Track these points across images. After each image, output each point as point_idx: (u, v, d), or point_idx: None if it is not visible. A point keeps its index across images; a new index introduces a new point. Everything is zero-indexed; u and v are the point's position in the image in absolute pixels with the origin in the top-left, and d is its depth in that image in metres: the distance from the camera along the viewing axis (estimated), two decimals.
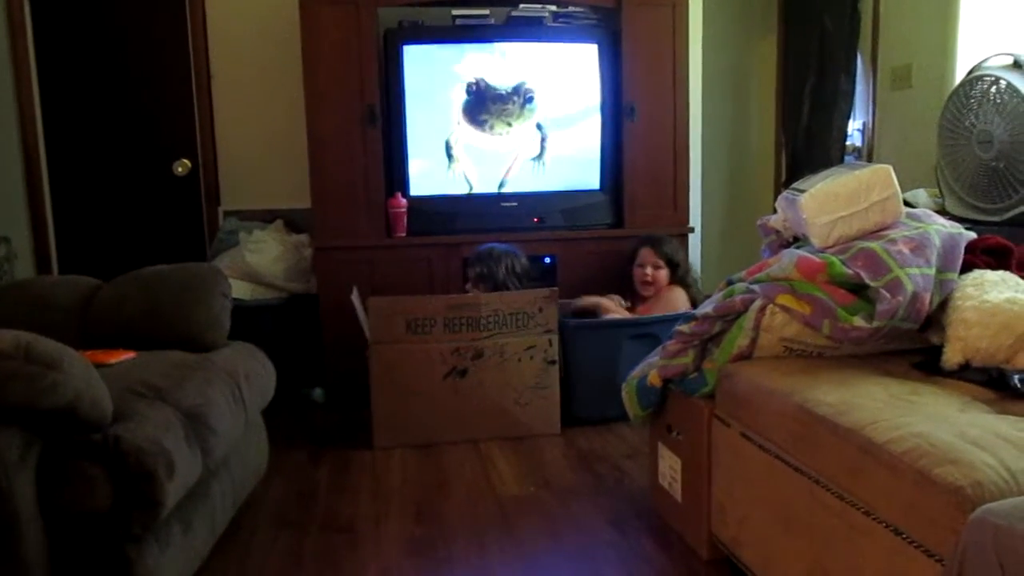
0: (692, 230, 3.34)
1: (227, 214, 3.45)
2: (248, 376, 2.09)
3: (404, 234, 3.08)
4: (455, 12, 3.09)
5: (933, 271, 1.69)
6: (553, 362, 2.77)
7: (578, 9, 3.19)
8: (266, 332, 2.87)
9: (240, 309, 2.51)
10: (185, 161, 3.44)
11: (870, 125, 3.54)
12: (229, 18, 3.38)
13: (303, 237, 3.25)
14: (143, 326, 2.09)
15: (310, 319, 3.05)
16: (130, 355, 1.93)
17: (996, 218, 2.53)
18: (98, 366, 1.72)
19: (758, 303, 1.78)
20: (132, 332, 2.07)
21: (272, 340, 2.68)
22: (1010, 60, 2.51)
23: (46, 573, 1.39)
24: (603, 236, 3.21)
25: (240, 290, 2.98)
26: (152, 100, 3.42)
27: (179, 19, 3.36)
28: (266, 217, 3.38)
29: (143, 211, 3.45)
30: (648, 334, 2.74)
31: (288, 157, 3.31)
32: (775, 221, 2.07)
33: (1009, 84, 2.48)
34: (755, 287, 1.80)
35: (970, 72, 2.65)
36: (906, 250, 1.69)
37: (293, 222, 3.36)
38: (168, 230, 3.46)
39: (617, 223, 3.25)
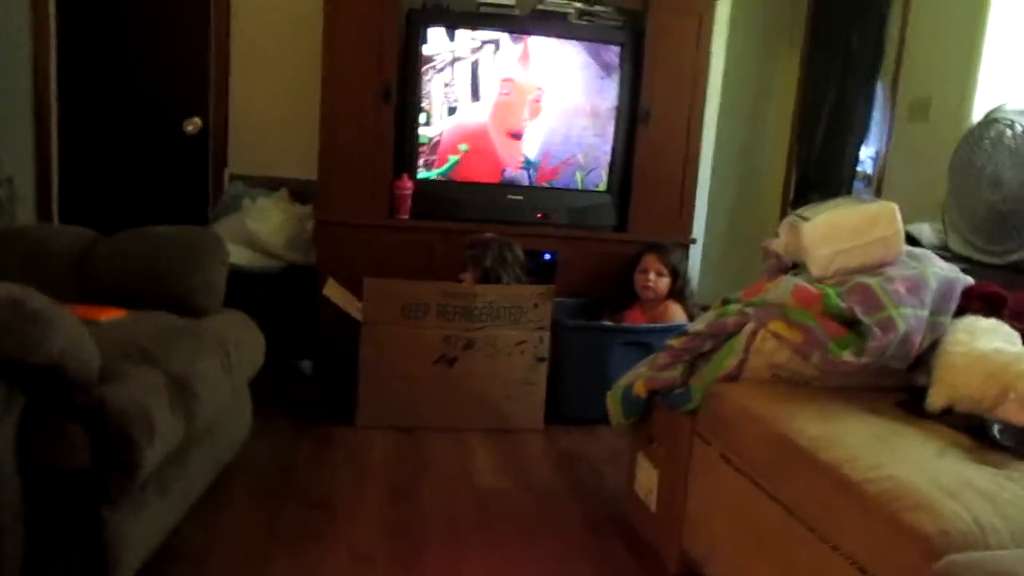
0: (694, 241, 3.34)
1: (233, 178, 3.44)
2: (238, 345, 2.09)
3: (407, 216, 3.08)
4: None
5: (927, 312, 1.69)
6: (542, 359, 2.78)
7: (604, 8, 3.17)
8: (261, 300, 2.85)
9: (237, 275, 2.51)
10: (196, 120, 3.43)
11: (883, 154, 3.53)
12: None
13: (306, 209, 3.24)
14: (138, 285, 2.09)
15: (307, 291, 3.05)
16: (121, 313, 1.93)
17: (996, 260, 2.54)
18: (88, 322, 1.72)
19: (750, 326, 1.79)
20: (126, 289, 2.07)
21: (266, 308, 2.68)
22: None
23: (20, 527, 1.40)
24: (605, 238, 3.20)
25: (239, 256, 2.97)
26: (169, 56, 3.39)
27: None
28: (272, 184, 3.37)
29: (149, 166, 3.43)
30: (641, 342, 2.75)
31: (300, 127, 3.29)
32: (777, 245, 2.08)
33: None
34: (749, 310, 1.81)
35: (988, 114, 2.65)
36: (902, 289, 1.69)
37: (298, 192, 3.35)
38: (172, 187, 3.45)
39: (620, 226, 3.24)
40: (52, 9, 3.27)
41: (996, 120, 2.58)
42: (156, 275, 2.10)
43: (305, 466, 2.34)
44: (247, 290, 2.78)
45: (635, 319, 3.03)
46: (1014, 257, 2.46)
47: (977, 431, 1.51)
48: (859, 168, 3.69)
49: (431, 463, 2.43)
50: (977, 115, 2.86)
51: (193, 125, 3.43)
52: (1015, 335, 1.69)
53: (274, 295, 3.06)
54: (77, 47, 3.34)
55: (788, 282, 1.79)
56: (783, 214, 4.03)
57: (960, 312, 1.76)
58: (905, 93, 3.39)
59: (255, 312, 2.35)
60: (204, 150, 3.46)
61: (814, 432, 1.47)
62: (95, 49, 3.36)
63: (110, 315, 1.90)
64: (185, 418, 1.70)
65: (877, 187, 3.56)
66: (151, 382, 1.62)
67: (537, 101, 3.15)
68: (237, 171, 3.45)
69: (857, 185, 3.69)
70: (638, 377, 2.01)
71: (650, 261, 3.03)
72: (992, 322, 1.71)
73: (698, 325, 1.91)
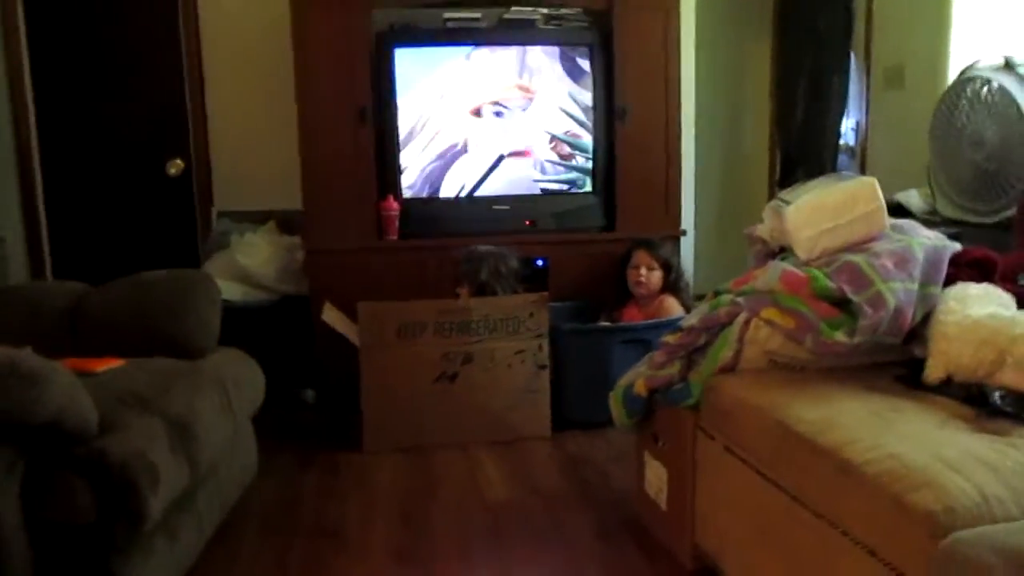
0: (684, 233, 3.33)
1: (220, 215, 3.45)
2: (237, 383, 2.10)
3: (396, 237, 3.08)
4: (446, 15, 3.08)
5: (916, 285, 1.69)
6: (544, 366, 2.78)
7: (570, 11, 3.18)
8: (257, 333, 2.87)
9: (231, 311, 2.52)
10: (178, 161, 3.44)
11: (863, 125, 3.53)
12: (221, 18, 3.36)
13: (295, 239, 3.24)
14: (132, 332, 2.10)
15: (302, 320, 3.06)
16: (118, 363, 1.94)
17: (987, 220, 2.53)
18: (85, 375, 1.74)
19: (743, 316, 1.78)
20: (121, 338, 2.08)
21: (263, 341, 2.69)
22: (1001, 62, 2.51)
23: None
24: (595, 239, 3.20)
25: (232, 291, 2.98)
26: (145, 101, 3.41)
27: (171, 20, 3.34)
28: (259, 218, 3.38)
29: (136, 211, 3.45)
30: (640, 339, 2.75)
31: (281, 158, 3.29)
32: (762, 230, 2.08)
33: (1000, 86, 2.48)
34: (740, 300, 1.81)
35: (962, 73, 2.65)
36: (889, 264, 1.69)
37: (286, 223, 3.35)
38: (161, 230, 3.46)
39: (609, 226, 3.24)
40: (26, 65, 3.29)
41: (971, 79, 2.58)
42: (149, 321, 2.11)
43: (314, 497, 2.34)
44: (243, 325, 2.79)
45: (632, 317, 3.02)
46: (1004, 215, 2.46)
47: (977, 400, 1.51)
48: (842, 141, 3.69)
49: (440, 482, 2.43)
50: (952, 77, 2.86)
51: (175, 167, 3.44)
52: (1008, 298, 1.68)
53: (270, 328, 3.06)
54: (53, 102, 3.36)
55: (776, 268, 1.79)
56: (770, 196, 4.03)
57: (950, 280, 1.75)
58: (878, 62, 3.40)
59: (252, 347, 2.35)
60: (189, 190, 3.47)
61: (812, 416, 1.47)
62: (72, 102, 3.38)
63: (107, 365, 1.91)
64: (188, 462, 1.70)
65: (861, 158, 3.57)
66: (151, 429, 1.63)
67: (515, 107, 3.16)
68: (224, 207, 3.46)
69: (841, 158, 3.70)
70: (638, 376, 2.00)
71: (640, 257, 3.03)
72: (983, 287, 1.71)
73: (691, 319, 1.90)
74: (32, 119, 3.33)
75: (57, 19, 3.32)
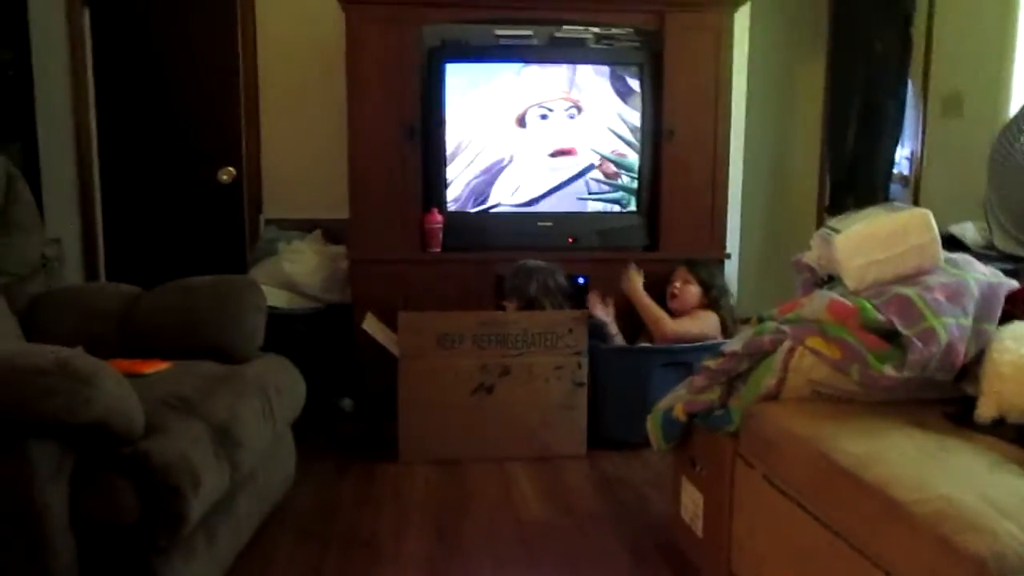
0: (729, 256, 3.30)
1: (268, 222, 3.53)
2: (279, 390, 2.13)
3: (439, 249, 3.11)
4: (498, 31, 3.11)
5: (969, 321, 1.64)
6: (581, 384, 2.77)
7: (621, 31, 3.18)
8: (300, 340, 2.92)
9: (276, 317, 2.56)
10: (230, 169, 3.53)
11: (918, 154, 3.44)
12: (278, 31, 3.46)
13: (340, 248, 3.30)
14: (179, 336, 2.15)
15: (344, 329, 3.10)
16: (165, 365, 1.99)
17: None
18: (133, 376, 1.78)
19: (787, 343, 1.75)
20: (169, 341, 2.13)
21: (306, 348, 2.74)
22: None
23: None
24: (638, 258, 3.18)
25: (277, 298, 3.04)
26: (201, 110, 3.52)
27: (230, 32, 3.45)
28: (306, 227, 3.44)
29: (188, 217, 3.55)
30: (680, 362, 2.72)
31: (329, 168, 3.36)
32: (809, 258, 2.04)
33: None
34: (785, 327, 1.78)
35: None
36: (942, 298, 1.65)
37: (332, 232, 3.42)
38: (211, 236, 3.56)
39: (652, 246, 3.23)
40: (90, 75, 3.42)
41: None
42: (196, 326, 2.16)
43: (349, 505, 2.36)
44: (287, 331, 2.85)
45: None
46: None
47: None
48: (895, 170, 3.61)
49: (474, 496, 2.43)
50: (1013, 107, 2.78)
51: (227, 174, 3.53)
52: None
53: (313, 335, 3.11)
54: (114, 109, 3.49)
55: (823, 297, 1.76)
56: (819, 223, 3.95)
57: (1006, 318, 1.70)
58: (936, 90, 3.32)
59: (294, 353, 2.39)
60: (239, 197, 3.56)
61: (857, 450, 1.43)
62: (131, 110, 3.50)
63: (154, 368, 1.96)
64: (229, 467, 1.73)
65: (915, 188, 3.47)
66: (194, 433, 1.66)
67: (564, 125, 3.17)
68: (272, 215, 3.54)
69: (894, 187, 3.61)
70: (677, 400, 1.98)
71: (678, 273, 3.07)
72: None
73: (734, 345, 1.88)
74: (92, 125, 3.45)
75: (119, 28, 3.45)
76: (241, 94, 3.49)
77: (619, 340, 3.00)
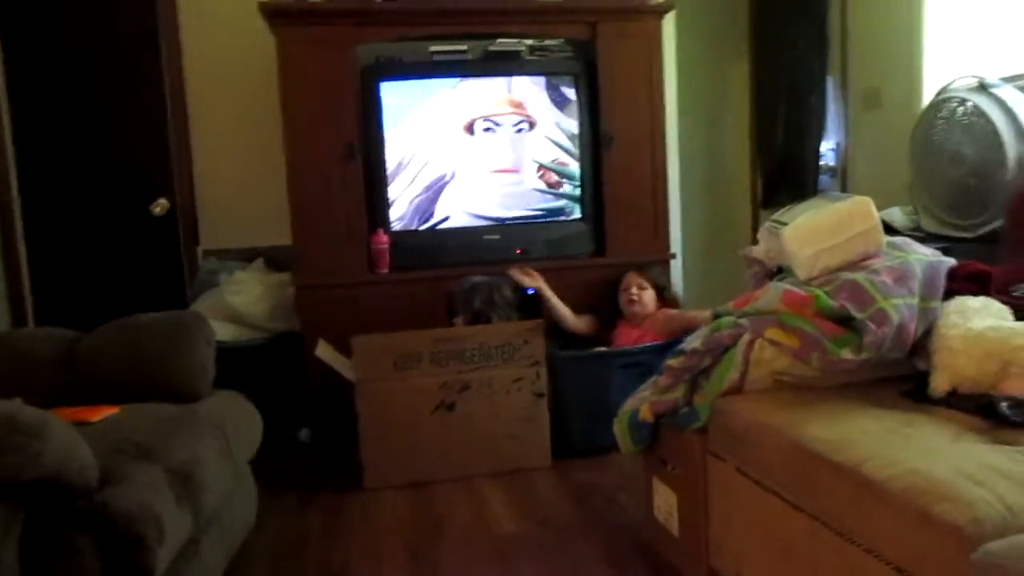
0: (674, 256, 3.36)
1: (207, 254, 3.41)
2: (236, 426, 2.06)
3: (387, 270, 3.07)
4: (432, 48, 3.11)
5: (917, 300, 1.71)
6: (541, 394, 2.76)
7: (554, 42, 3.22)
8: (251, 374, 2.83)
9: (224, 351, 2.47)
10: (163, 201, 3.40)
11: (844, 146, 3.59)
12: (206, 54, 3.36)
13: (285, 276, 3.22)
14: (127, 378, 2.05)
15: (295, 358, 3.02)
16: (114, 410, 1.89)
17: (970, 234, 2.58)
18: (82, 424, 1.69)
19: (747, 337, 1.79)
20: (116, 385, 2.04)
21: (257, 382, 2.65)
22: (975, 82, 2.58)
23: None
24: (586, 265, 3.22)
25: (223, 332, 2.94)
26: (128, 141, 3.37)
27: (154, 58, 3.33)
28: (247, 256, 3.35)
29: (121, 254, 3.39)
30: (638, 363, 2.75)
31: (268, 194, 3.28)
32: (758, 251, 2.10)
33: (976, 105, 2.54)
34: (743, 320, 1.82)
35: (938, 94, 2.71)
36: (889, 280, 1.71)
37: (275, 260, 3.33)
38: (147, 273, 3.40)
39: (599, 251, 3.26)
40: (5, 106, 3.25)
41: (947, 99, 2.64)
42: (143, 366, 2.07)
43: (318, 538, 2.29)
44: (236, 366, 2.74)
45: (625, 338, 3.02)
46: (987, 228, 2.51)
47: (985, 410, 1.52)
48: (823, 162, 3.75)
49: (445, 516, 2.39)
50: (927, 97, 2.93)
51: (160, 207, 3.40)
52: (1005, 309, 1.71)
53: (264, 367, 3.02)
54: (33, 144, 3.31)
55: (777, 288, 1.80)
56: (754, 218, 4.08)
57: (949, 294, 1.78)
58: (856, 84, 3.47)
59: (246, 387, 2.32)
60: (174, 230, 3.42)
61: (828, 435, 1.47)
62: (51, 144, 3.33)
63: (103, 414, 1.86)
64: (192, 511, 1.66)
65: (842, 178, 3.62)
66: (153, 479, 1.59)
67: (509, 137, 3.18)
68: (211, 246, 3.43)
69: (823, 179, 3.75)
70: (643, 401, 2.00)
71: (631, 278, 3.09)
72: (981, 300, 1.73)
73: (694, 342, 1.90)
74: (11, 163, 3.28)
75: (36, 60, 3.29)
76: (169, 122, 3.37)
77: (561, 307, 3.04)
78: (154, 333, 2.12)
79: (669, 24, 3.39)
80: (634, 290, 3.06)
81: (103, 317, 2.23)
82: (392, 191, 3.12)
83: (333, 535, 2.30)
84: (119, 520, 1.42)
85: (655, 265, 3.18)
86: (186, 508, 1.64)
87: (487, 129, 3.16)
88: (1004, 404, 1.51)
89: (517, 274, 3.02)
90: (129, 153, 3.37)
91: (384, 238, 3.06)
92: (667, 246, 3.34)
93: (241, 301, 3.08)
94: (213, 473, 1.80)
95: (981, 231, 2.53)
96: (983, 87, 2.55)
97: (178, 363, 2.08)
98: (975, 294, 1.77)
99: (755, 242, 2.26)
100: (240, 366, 2.83)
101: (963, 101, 2.58)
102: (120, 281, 3.37)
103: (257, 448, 2.24)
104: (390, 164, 3.10)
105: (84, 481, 1.44)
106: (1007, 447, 1.35)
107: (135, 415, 1.87)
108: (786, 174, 3.86)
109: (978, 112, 2.52)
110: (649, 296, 3.05)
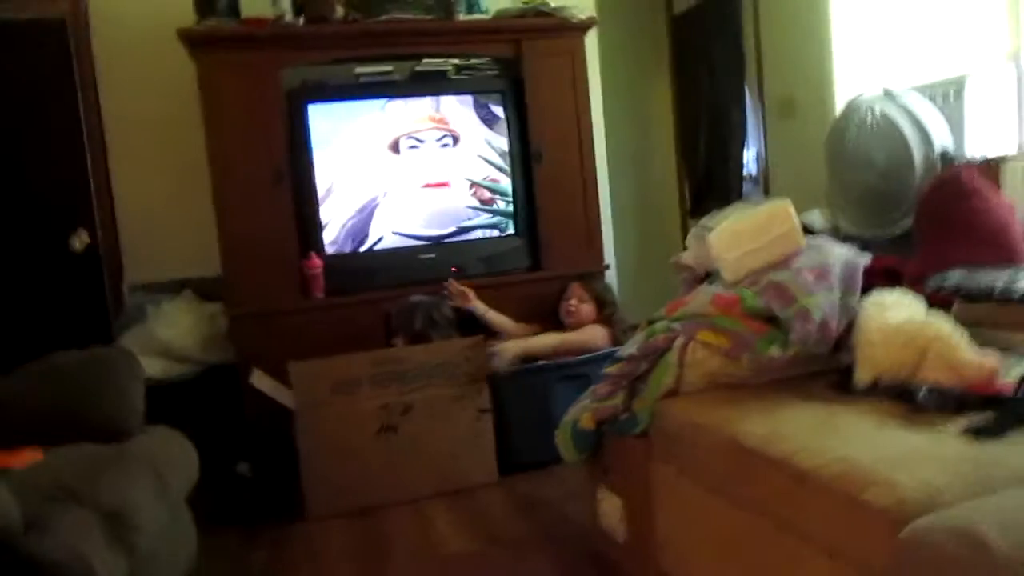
0: (608, 267, 3.42)
1: (132, 288, 3.29)
2: (169, 463, 1.98)
3: (322, 294, 3.02)
4: (358, 70, 3.10)
5: (837, 296, 1.79)
6: (485, 411, 2.76)
7: (480, 61, 3.26)
8: (185, 408, 2.73)
9: (155, 388, 2.39)
10: (83, 234, 3.27)
11: (763, 154, 3.74)
12: (123, 83, 3.26)
13: (216, 306, 3.13)
14: (51, 419, 1.96)
15: (230, 390, 2.93)
16: (37, 455, 1.80)
17: (883, 233, 2.71)
18: (2, 471, 1.61)
19: (680, 340, 1.84)
20: (39, 427, 1.93)
21: (192, 416, 2.56)
22: (882, 92, 2.73)
23: None
24: (523, 280, 3.24)
25: (153, 367, 2.83)
26: (44, 173, 3.24)
27: (69, 84, 3.21)
28: (174, 288, 3.24)
29: (40, 292, 3.24)
30: (577, 375, 2.78)
31: (193, 224, 3.20)
32: (687, 257, 2.16)
33: (884, 112, 2.69)
34: (676, 325, 1.86)
35: (848, 103, 2.86)
36: (810, 278, 1.78)
37: (204, 290, 3.23)
38: (69, 310, 3.26)
39: (535, 266, 3.29)
40: None
41: (857, 108, 2.78)
42: (69, 405, 1.97)
43: (263, 574, 2.22)
44: (168, 402, 2.65)
45: None
46: (899, 227, 2.64)
47: (905, 398, 1.59)
48: (745, 170, 3.90)
49: (393, 540, 2.36)
50: (838, 106, 3.09)
51: (80, 241, 3.27)
52: (918, 302, 1.80)
53: (197, 401, 2.92)
54: None
55: (707, 292, 1.86)
56: (684, 227, 4.20)
57: (866, 289, 1.86)
58: (771, 95, 3.63)
59: (180, 423, 2.23)
60: (96, 264, 3.30)
61: (760, 430, 1.52)
62: None
63: (25, 459, 1.77)
64: (126, 555, 1.59)
65: (764, 184, 3.77)
66: (83, 524, 1.52)
67: (436, 154, 3.19)
68: (135, 280, 3.31)
69: (746, 186, 3.90)
70: (584, 410, 2.02)
71: (573, 289, 3.14)
72: (896, 294, 1.82)
73: (630, 348, 1.94)
74: None
75: None
76: (87, 153, 3.26)
77: (497, 318, 3.06)
78: (76, 371, 2.03)
79: (592, 41, 3.47)
80: (573, 302, 3.10)
81: (23, 360, 2.12)
82: (323, 214, 3.09)
83: (279, 570, 2.24)
84: (46, 568, 1.35)
85: (594, 276, 3.23)
86: (119, 551, 1.57)
87: (412, 147, 3.17)
88: (922, 391, 1.58)
89: (454, 286, 3.02)
90: (45, 186, 3.24)
91: (317, 262, 3.02)
92: (601, 258, 3.39)
93: (170, 334, 2.98)
94: (147, 513, 1.73)
95: (895, 230, 2.67)
96: (889, 96, 2.70)
97: (104, 400, 1.99)
98: (890, 288, 1.86)
99: (685, 249, 2.33)
100: (173, 401, 2.74)
101: (872, 109, 2.72)
102: (40, 321, 3.22)
103: (194, 484, 2.16)
104: (320, 187, 3.07)
105: (8, 530, 1.37)
106: (927, 429, 1.42)
107: (61, 458, 1.78)
108: (712, 183, 3.99)
109: (886, 119, 2.67)
110: (587, 309, 3.10)
